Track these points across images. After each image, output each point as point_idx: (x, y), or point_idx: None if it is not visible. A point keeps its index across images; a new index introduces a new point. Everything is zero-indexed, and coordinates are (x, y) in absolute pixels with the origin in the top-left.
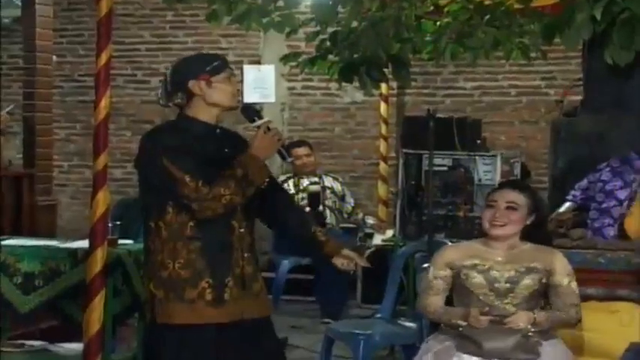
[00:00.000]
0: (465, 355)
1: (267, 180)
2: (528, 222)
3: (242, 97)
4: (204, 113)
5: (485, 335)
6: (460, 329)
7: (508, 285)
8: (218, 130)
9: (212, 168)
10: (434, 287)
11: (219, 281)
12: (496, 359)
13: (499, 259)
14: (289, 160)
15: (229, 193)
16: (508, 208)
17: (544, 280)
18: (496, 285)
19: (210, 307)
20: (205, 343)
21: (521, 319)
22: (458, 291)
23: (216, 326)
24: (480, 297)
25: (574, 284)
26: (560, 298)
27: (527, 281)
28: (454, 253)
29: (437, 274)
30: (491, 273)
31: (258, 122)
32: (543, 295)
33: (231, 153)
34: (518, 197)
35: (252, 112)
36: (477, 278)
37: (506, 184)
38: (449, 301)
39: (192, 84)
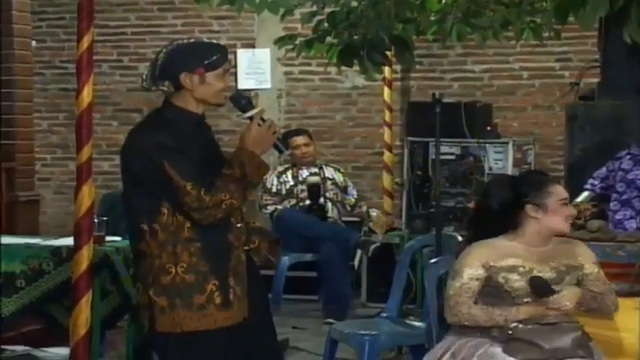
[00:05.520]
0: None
1: (265, 177)
2: None
3: (236, 83)
4: (191, 105)
5: (542, 336)
6: (510, 332)
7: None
8: (205, 120)
9: (209, 165)
10: (470, 290)
11: (224, 282)
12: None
13: (535, 257)
14: (287, 152)
15: (229, 198)
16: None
17: (580, 277)
18: None
19: (220, 310)
20: (215, 349)
21: (567, 298)
22: (487, 293)
23: (224, 330)
24: (516, 299)
25: (602, 271)
26: (598, 287)
27: (568, 280)
28: (487, 252)
29: (473, 275)
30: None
31: (251, 112)
32: None
33: (216, 141)
34: None
35: (243, 101)
36: (519, 282)
37: (555, 180)
38: None
39: (184, 77)
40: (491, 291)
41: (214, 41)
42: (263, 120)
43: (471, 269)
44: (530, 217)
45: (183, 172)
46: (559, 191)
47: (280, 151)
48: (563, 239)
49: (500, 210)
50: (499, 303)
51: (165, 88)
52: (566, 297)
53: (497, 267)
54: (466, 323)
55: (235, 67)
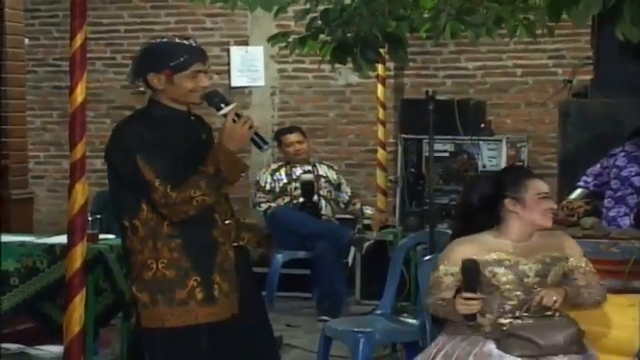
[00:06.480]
0: (510, 357)
1: (242, 175)
2: None
3: (229, 80)
4: (170, 102)
5: (538, 332)
6: (504, 328)
7: (537, 279)
8: (192, 117)
9: (187, 164)
10: (443, 283)
11: (207, 278)
12: (550, 356)
13: (518, 251)
14: (266, 148)
15: (200, 194)
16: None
17: (566, 269)
18: (525, 280)
19: (203, 306)
20: (199, 345)
21: (552, 294)
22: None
23: (208, 326)
24: (505, 293)
25: (590, 264)
26: (586, 280)
27: (554, 272)
28: (470, 248)
29: (449, 271)
30: (520, 268)
31: (226, 109)
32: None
33: (207, 139)
34: None
35: (216, 99)
36: (506, 275)
37: (535, 175)
38: None
39: (151, 77)
40: (479, 286)
41: (186, 42)
42: (238, 116)
43: (448, 265)
44: (511, 212)
45: (155, 168)
46: (537, 185)
47: (259, 147)
48: (550, 232)
49: (481, 205)
50: (489, 297)
51: (140, 86)
52: (550, 294)
53: (481, 261)
54: (438, 315)
55: (228, 64)
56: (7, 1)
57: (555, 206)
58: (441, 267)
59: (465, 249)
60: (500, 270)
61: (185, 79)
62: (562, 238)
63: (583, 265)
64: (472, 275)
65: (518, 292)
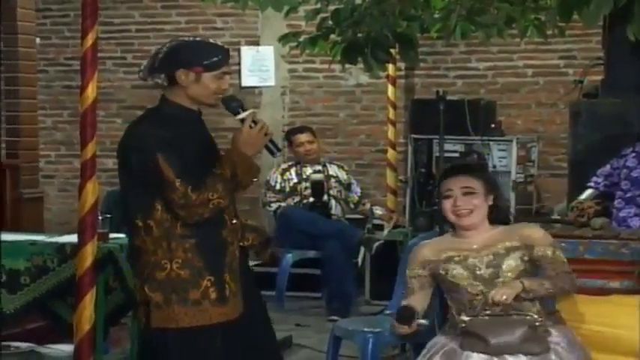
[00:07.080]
0: (473, 354)
1: (254, 180)
2: (490, 203)
3: (240, 80)
4: (186, 102)
5: (490, 329)
6: (463, 325)
7: (490, 270)
8: (201, 117)
9: (205, 163)
10: (410, 287)
11: (219, 278)
12: (505, 355)
13: (474, 246)
14: (279, 154)
15: (217, 197)
16: (466, 194)
17: (526, 258)
18: (478, 272)
19: (216, 305)
20: (214, 345)
21: (502, 292)
22: (445, 287)
23: (221, 325)
24: (468, 288)
25: (559, 253)
26: (551, 269)
27: (510, 262)
28: (427, 250)
29: (412, 274)
30: (469, 261)
31: (243, 115)
32: (533, 274)
33: (213, 139)
34: (471, 181)
35: (234, 103)
36: (457, 269)
37: (455, 169)
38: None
39: (180, 73)
40: (445, 284)
41: (219, 42)
42: (255, 122)
43: (409, 269)
44: None
45: (175, 168)
46: (445, 184)
47: (272, 153)
48: (517, 224)
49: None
50: (458, 295)
51: (159, 81)
52: (499, 291)
53: (435, 261)
54: None
55: (239, 64)
56: (19, 1)
57: (459, 204)
58: (407, 271)
59: (424, 251)
60: (451, 265)
61: (212, 79)
62: (526, 228)
63: (549, 254)
64: (403, 316)
65: (481, 287)
